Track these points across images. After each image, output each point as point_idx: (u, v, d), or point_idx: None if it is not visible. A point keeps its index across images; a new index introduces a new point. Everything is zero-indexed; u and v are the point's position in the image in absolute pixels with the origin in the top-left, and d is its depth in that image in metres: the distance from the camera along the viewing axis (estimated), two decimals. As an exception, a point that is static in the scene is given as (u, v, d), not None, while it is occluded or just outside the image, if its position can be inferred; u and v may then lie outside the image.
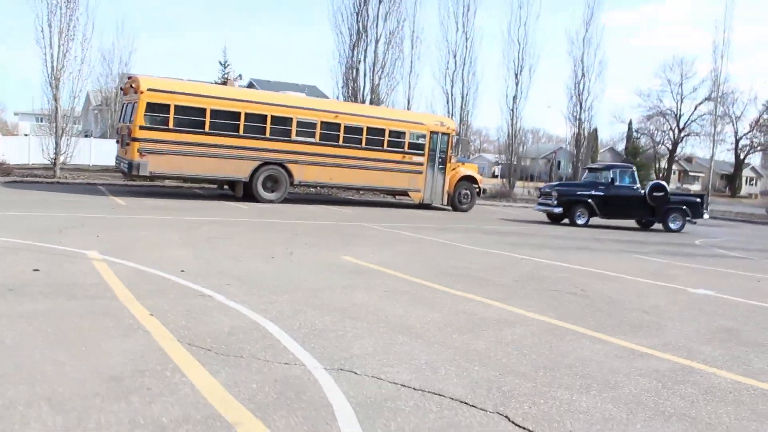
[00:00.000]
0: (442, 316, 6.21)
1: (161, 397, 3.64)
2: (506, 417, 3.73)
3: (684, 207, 21.08)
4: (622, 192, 20.45)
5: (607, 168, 21.69)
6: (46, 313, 5.25)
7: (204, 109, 18.36)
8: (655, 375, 4.83)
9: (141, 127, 17.60)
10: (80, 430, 3.17)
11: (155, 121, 17.91)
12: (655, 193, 20.49)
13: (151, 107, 17.77)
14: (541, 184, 51.62)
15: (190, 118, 18.29)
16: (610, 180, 20.37)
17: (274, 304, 6.13)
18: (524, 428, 3.59)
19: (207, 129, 18.40)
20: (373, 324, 5.67)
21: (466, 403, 3.90)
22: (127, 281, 6.67)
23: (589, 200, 19.97)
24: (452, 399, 3.95)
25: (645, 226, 21.48)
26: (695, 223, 21.84)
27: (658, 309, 7.41)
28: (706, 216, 22.22)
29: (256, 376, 4.11)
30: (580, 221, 19.88)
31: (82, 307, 5.50)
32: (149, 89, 17.67)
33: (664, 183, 21.95)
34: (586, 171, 23.07)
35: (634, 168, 22.74)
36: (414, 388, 4.09)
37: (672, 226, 20.73)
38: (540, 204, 21.32)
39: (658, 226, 21.09)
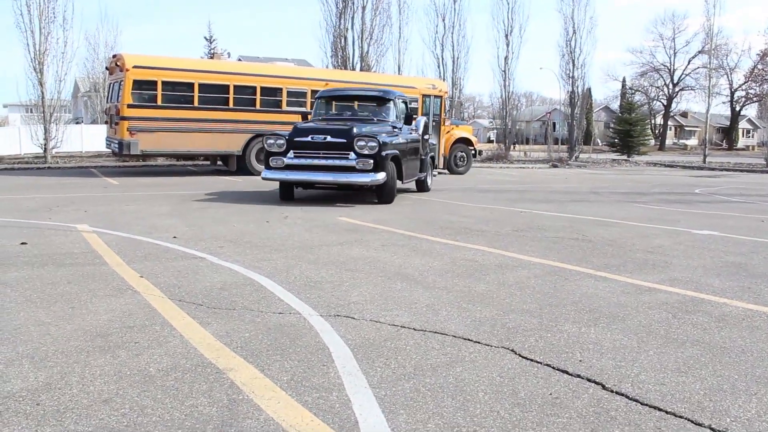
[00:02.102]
0: (442, 263, 6.03)
1: (149, 349, 3.47)
2: (512, 350, 3.56)
3: (433, 155, 15.68)
4: (413, 136, 13.06)
5: (387, 96, 13.02)
6: (31, 280, 5.07)
7: (192, 84, 18.05)
8: (665, 307, 4.66)
9: (129, 106, 17.29)
10: (63, 384, 2.99)
11: (143, 99, 17.60)
12: (426, 137, 14.24)
13: (138, 84, 17.46)
14: (534, 146, 50.52)
15: (179, 93, 17.99)
16: (404, 118, 12.85)
17: (268, 262, 5.95)
18: (532, 360, 3.42)
19: (196, 104, 18.11)
20: (370, 274, 5.49)
21: (469, 339, 3.73)
22: (117, 249, 6.48)
23: (398, 153, 11.70)
24: (455, 337, 3.78)
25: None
26: (436, 175, 16.65)
27: (662, 249, 7.24)
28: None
29: (248, 326, 3.93)
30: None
31: (70, 273, 5.32)
32: (135, 66, 17.33)
33: (425, 118, 14.58)
34: (320, 101, 13.41)
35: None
36: (414, 329, 3.92)
37: (429, 180, 14.85)
38: (308, 170, 11.15)
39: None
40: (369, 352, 3.48)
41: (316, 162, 11.14)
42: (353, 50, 30.26)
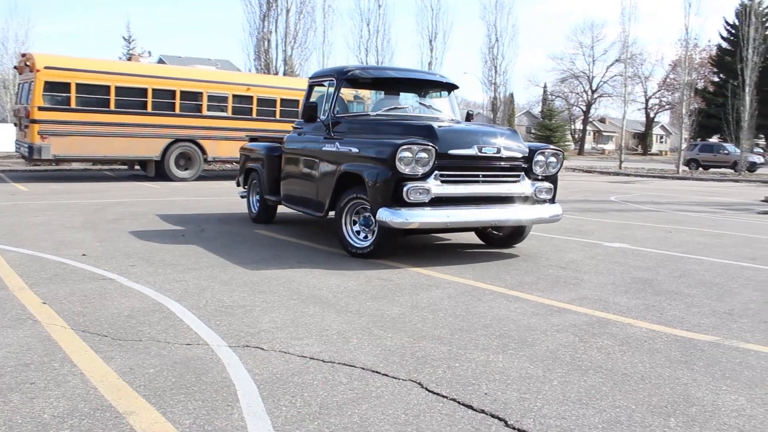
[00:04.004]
0: (357, 283, 6.02)
1: (45, 391, 3.33)
2: (419, 384, 3.57)
3: None
4: None
5: (452, 84, 9.34)
6: None
7: (108, 87, 17.55)
8: (572, 330, 4.78)
9: (40, 108, 16.67)
10: (-53, 434, 2.84)
11: (55, 101, 17.01)
12: None
13: (50, 86, 16.86)
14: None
15: (94, 96, 17.46)
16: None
17: (180, 283, 5.81)
18: (438, 394, 3.44)
19: (113, 107, 17.64)
20: (283, 297, 5.43)
21: (377, 372, 3.73)
22: (21, 269, 6.22)
23: None
24: (363, 369, 3.77)
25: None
26: None
27: (575, 264, 7.43)
28: None
29: (154, 359, 3.82)
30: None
31: (-34, 300, 5.07)
32: (46, 67, 16.73)
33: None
34: (338, 85, 8.33)
35: None
36: (323, 360, 3.89)
37: None
38: (467, 204, 7.16)
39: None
40: (275, 388, 3.43)
41: (480, 190, 7.24)
42: (277, 54, 30.05)
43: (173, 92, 18.58)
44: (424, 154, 6.75)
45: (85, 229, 8.88)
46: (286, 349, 4.09)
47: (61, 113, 16.95)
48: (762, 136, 59.61)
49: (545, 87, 78.86)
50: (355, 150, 7.37)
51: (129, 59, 28.56)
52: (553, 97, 75.98)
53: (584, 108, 79.87)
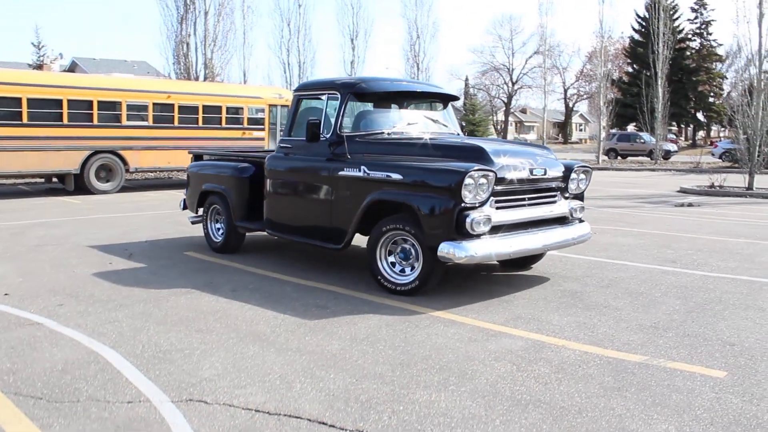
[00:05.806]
0: (294, 314, 5.99)
1: (-19, 470, 3.22)
2: (366, 434, 3.61)
3: None
4: None
5: (452, 95, 9.10)
6: None
7: (19, 99, 16.85)
8: (509, 357, 4.90)
9: (-56, 123, 15.94)
10: None
11: (-39, 115, 16.28)
12: None
13: (-46, 99, 16.12)
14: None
15: (4, 109, 16.74)
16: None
17: (113, 324, 5.67)
18: (385, 445, 3.49)
19: (25, 120, 16.96)
20: (222, 335, 5.37)
21: (324, 423, 3.74)
22: (-60, 315, 5.95)
23: None
24: (310, 420, 3.78)
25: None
26: None
27: (506, 278, 7.59)
28: None
29: (95, 424, 3.73)
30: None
31: None
32: (-51, 79, 16.00)
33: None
34: (347, 100, 7.57)
35: None
36: (269, 413, 3.87)
37: None
38: (520, 230, 6.84)
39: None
40: (223, 451, 3.41)
41: (529, 214, 6.94)
42: (197, 57, 29.48)
43: (90, 102, 18.02)
44: (484, 180, 6.21)
45: (4, 260, 8.53)
46: (230, 401, 4.05)
47: (-33, 128, 16.22)
48: (674, 124, 62.05)
49: (467, 80, 79.99)
50: (396, 176, 6.58)
51: (40, 67, 27.56)
52: (476, 90, 77.19)
53: (506, 99, 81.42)
